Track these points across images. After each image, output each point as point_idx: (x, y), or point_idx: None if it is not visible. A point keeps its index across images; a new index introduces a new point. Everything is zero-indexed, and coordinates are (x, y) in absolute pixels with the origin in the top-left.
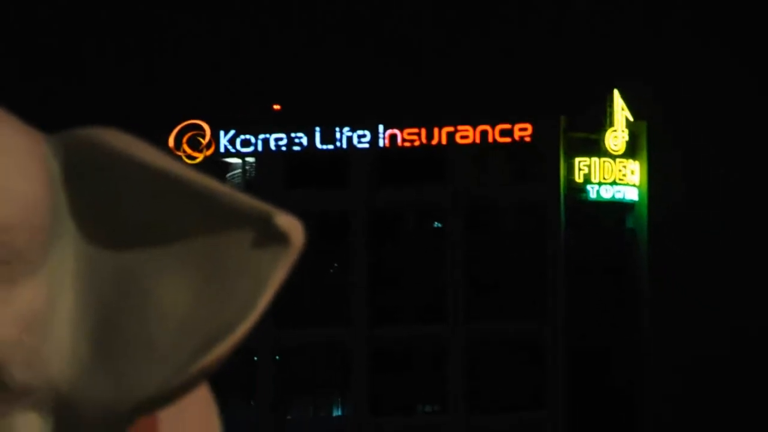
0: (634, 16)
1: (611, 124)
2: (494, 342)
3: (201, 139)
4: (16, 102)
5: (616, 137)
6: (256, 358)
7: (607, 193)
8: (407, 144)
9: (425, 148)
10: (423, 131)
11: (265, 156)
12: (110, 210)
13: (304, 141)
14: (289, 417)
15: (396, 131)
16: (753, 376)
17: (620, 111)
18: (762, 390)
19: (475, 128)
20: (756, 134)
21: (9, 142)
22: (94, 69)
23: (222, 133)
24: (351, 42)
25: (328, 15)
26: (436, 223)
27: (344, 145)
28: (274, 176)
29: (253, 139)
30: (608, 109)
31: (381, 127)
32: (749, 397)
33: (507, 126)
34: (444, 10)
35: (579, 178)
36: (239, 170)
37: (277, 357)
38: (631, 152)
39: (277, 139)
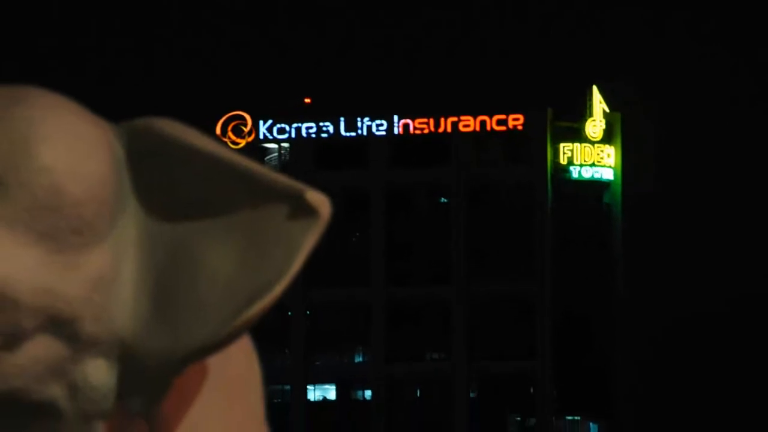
0: (609, 23)
1: (591, 115)
2: (492, 300)
3: (243, 128)
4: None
5: (595, 126)
6: (290, 313)
7: (587, 173)
8: (418, 131)
9: (433, 135)
10: (431, 121)
11: (297, 142)
12: (167, 188)
13: (331, 129)
14: (317, 363)
15: (408, 121)
16: (713, 331)
17: (598, 104)
18: (720, 344)
19: (475, 118)
20: (715, 121)
21: (81, 131)
22: (160, 67)
23: (261, 122)
24: (371, 45)
25: (351, 23)
26: (442, 198)
27: (364, 133)
28: (305, 159)
29: (287, 128)
30: (588, 102)
31: (396, 117)
32: (708, 349)
33: (502, 116)
34: (449, 18)
35: (563, 161)
36: (276, 154)
37: (308, 312)
38: (607, 139)
39: (307, 128)
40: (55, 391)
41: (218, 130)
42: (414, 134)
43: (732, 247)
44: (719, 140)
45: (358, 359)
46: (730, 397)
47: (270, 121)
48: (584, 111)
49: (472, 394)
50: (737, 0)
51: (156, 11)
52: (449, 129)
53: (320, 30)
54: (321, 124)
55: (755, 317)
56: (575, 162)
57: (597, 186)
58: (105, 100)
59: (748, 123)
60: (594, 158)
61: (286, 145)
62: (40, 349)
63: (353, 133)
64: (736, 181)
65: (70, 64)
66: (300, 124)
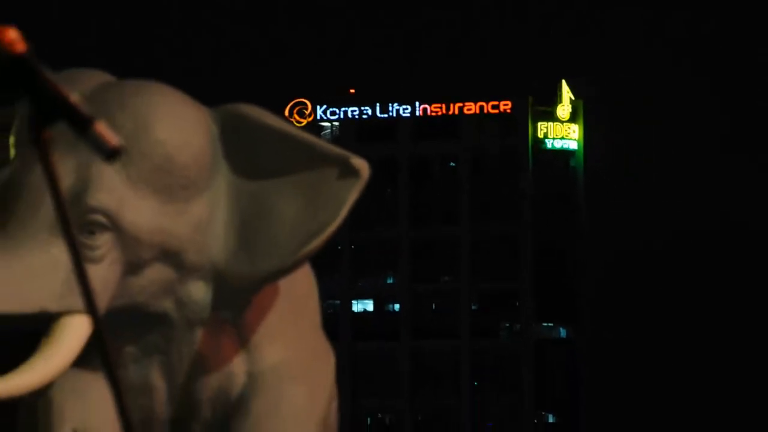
0: (609, 23)
1: (560, 101)
2: (489, 237)
3: (305, 111)
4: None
5: (564, 109)
6: (339, 247)
7: (558, 144)
8: (434, 114)
9: (445, 117)
10: (443, 105)
11: (345, 122)
12: (249, 155)
13: (369, 112)
14: (359, 284)
15: (427, 106)
16: (655, 259)
17: (566, 93)
18: (660, 270)
19: (476, 103)
20: (656, 101)
21: (186, 113)
22: (160, 66)
23: (318, 106)
24: (399, 47)
25: (351, 23)
26: (451, 163)
27: (394, 115)
28: (351, 135)
29: (337, 111)
30: (558, 92)
31: (417, 103)
32: (651, 272)
33: (496, 102)
34: (457, 23)
35: (541, 135)
36: (329, 131)
37: (353, 246)
38: (573, 119)
39: (352, 111)
40: (167, 305)
41: (286, 113)
42: (431, 116)
43: (666, 196)
44: (657, 117)
45: (390, 281)
46: (669, 304)
47: (324, 106)
48: (555, 98)
49: (473, 307)
50: (737, 0)
51: (156, 11)
52: (457, 112)
53: (320, 30)
54: (362, 108)
55: (688, 252)
56: (549, 136)
57: (565, 154)
58: None
59: (683, 114)
60: (563, 134)
61: (336, 124)
62: (156, 273)
63: (386, 115)
64: (667, 152)
65: (71, 64)
66: (347, 108)
